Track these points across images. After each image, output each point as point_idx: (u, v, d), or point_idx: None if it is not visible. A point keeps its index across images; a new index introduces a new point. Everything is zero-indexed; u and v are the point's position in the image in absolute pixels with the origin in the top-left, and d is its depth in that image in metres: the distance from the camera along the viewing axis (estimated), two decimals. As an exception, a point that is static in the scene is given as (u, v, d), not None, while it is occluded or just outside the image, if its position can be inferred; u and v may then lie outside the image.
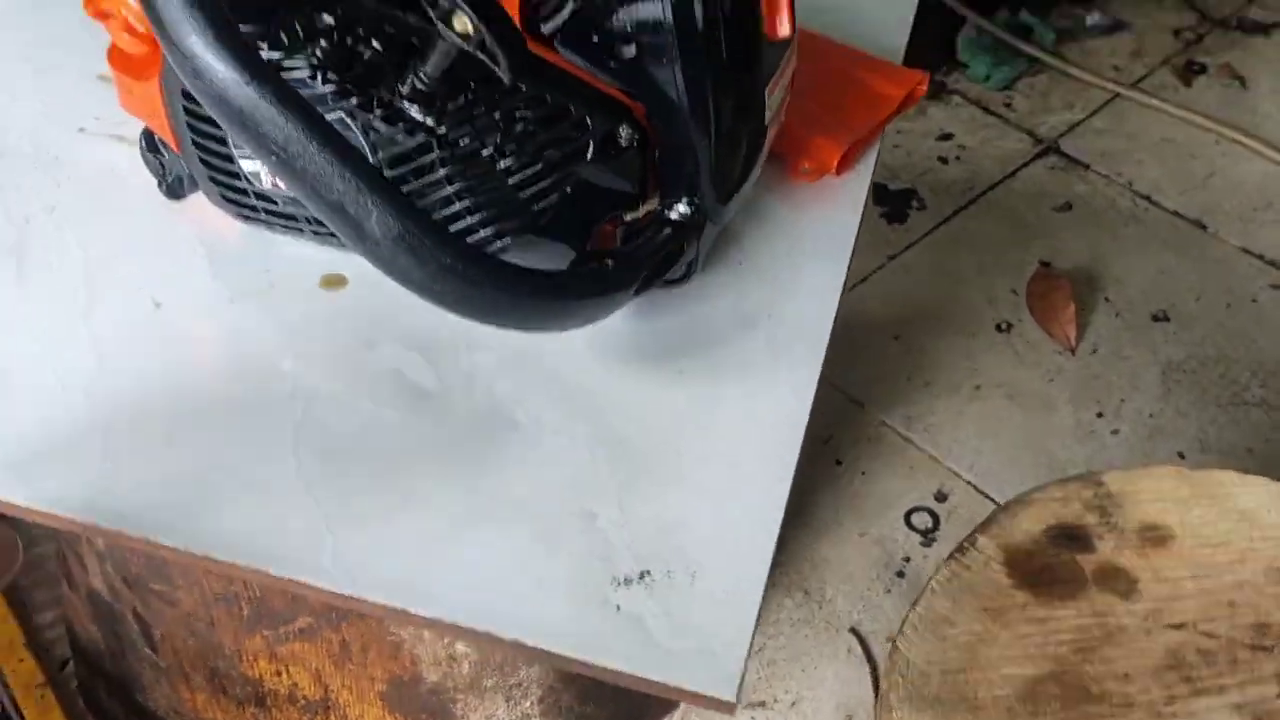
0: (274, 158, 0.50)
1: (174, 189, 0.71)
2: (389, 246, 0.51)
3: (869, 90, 0.86)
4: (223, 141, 0.65)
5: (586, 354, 0.67)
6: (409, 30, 0.60)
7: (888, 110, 0.85)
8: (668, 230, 0.66)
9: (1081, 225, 1.91)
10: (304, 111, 0.50)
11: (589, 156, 0.65)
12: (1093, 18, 2.31)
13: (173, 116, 0.65)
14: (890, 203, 1.93)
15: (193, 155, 0.67)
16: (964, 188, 1.97)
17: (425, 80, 0.59)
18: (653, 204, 0.68)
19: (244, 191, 0.67)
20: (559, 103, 0.63)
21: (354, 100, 0.60)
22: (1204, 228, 1.91)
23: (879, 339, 1.73)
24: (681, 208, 0.66)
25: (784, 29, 0.64)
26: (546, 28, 0.64)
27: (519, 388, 0.66)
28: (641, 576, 0.58)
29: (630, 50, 0.61)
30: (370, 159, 0.59)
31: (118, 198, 0.74)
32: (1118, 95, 2.15)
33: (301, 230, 0.68)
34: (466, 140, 0.62)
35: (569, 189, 0.66)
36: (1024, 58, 2.20)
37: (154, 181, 0.72)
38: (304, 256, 0.71)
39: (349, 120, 0.60)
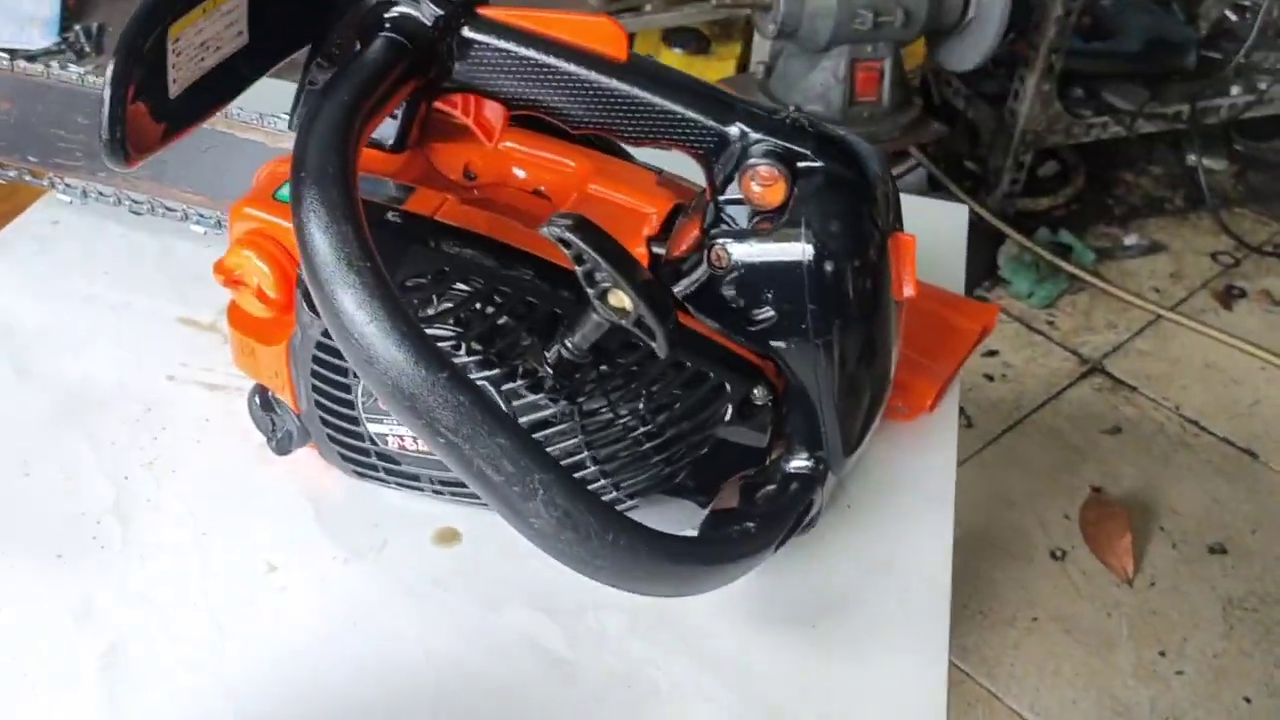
0: (441, 439, 0.48)
1: (283, 445, 0.68)
2: (552, 524, 0.48)
3: (949, 326, 0.84)
4: (349, 405, 0.63)
5: (718, 612, 0.64)
6: (554, 302, 0.59)
7: (969, 345, 0.84)
8: (796, 485, 0.64)
9: (1132, 450, 1.89)
10: (478, 397, 0.48)
11: (726, 419, 0.63)
12: (1130, 239, 2.35)
13: (298, 381, 0.64)
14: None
15: (314, 417, 0.65)
16: (1011, 407, 1.95)
17: (571, 351, 0.57)
18: (775, 457, 0.66)
19: (365, 452, 0.65)
20: (698, 369, 0.61)
21: (497, 370, 0.58)
22: (1254, 456, 1.89)
23: (931, 562, 1.68)
24: (801, 461, 0.64)
25: (909, 290, 0.63)
26: (678, 289, 0.62)
27: (653, 648, 0.62)
28: None
29: (766, 313, 0.60)
30: None
31: (216, 450, 0.71)
32: (1159, 317, 2.16)
33: (421, 489, 0.66)
34: (606, 409, 0.60)
35: (703, 449, 0.64)
36: (1065, 276, 2.22)
37: (251, 431, 0.70)
38: (414, 510, 0.67)
39: (492, 389, 0.58)
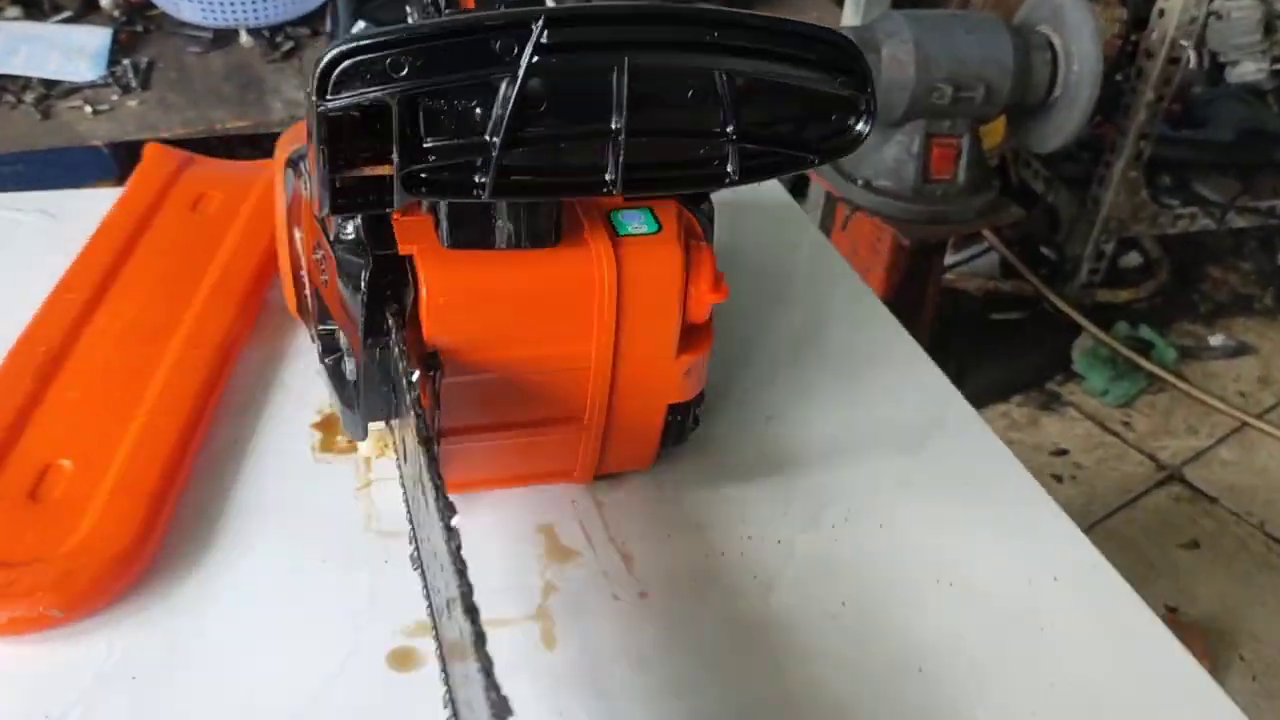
0: None
1: None
2: None
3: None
4: None
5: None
6: None
7: None
8: None
9: (1210, 568, 1.74)
10: None
11: None
12: (1216, 339, 2.21)
13: None
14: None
15: None
16: (1080, 511, 1.82)
17: None
18: None
19: None
20: None
21: None
22: (1345, 583, 1.74)
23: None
24: None
25: None
26: None
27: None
28: None
29: None
30: None
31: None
32: (1245, 424, 2.02)
33: None
34: None
35: None
36: (1144, 374, 2.09)
37: None
38: None
39: None
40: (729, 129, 0.52)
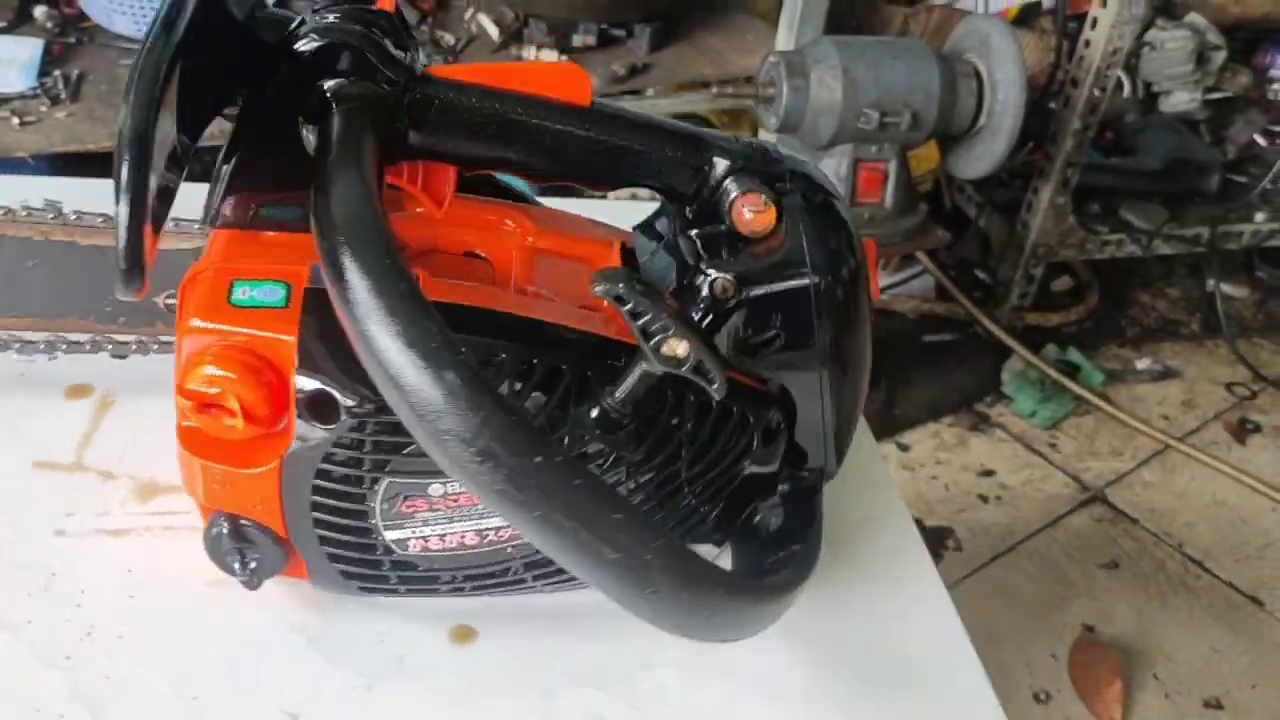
0: (551, 525, 0.40)
1: (257, 577, 0.57)
2: (671, 590, 0.43)
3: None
4: (363, 516, 0.55)
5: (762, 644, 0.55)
6: (582, 364, 0.54)
7: None
8: (813, 498, 0.62)
9: (1129, 588, 1.78)
10: (590, 477, 0.42)
11: (754, 452, 0.60)
12: (1143, 363, 2.25)
13: (292, 503, 0.55)
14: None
15: (309, 537, 0.56)
16: (1004, 531, 1.85)
17: (615, 408, 0.53)
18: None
19: (377, 564, 0.57)
20: (724, 405, 0.57)
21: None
22: (1260, 604, 1.77)
23: (904, 696, 1.57)
24: (801, 475, 0.63)
25: (875, 290, 0.62)
26: None
27: (718, 695, 0.59)
28: None
29: (771, 335, 0.57)
30: None
31: (159, 601, 0.59)
32: (1168, 447, 2.05)
33: (437, 590, 0.59)
34: (655, 460, 0.56)
35: (733, 486, 0.61)
36: (1071, 397, 2.12)
37: (190, 573, 0.59)
38: (417, 615, 0.60)
39: None
40: None
